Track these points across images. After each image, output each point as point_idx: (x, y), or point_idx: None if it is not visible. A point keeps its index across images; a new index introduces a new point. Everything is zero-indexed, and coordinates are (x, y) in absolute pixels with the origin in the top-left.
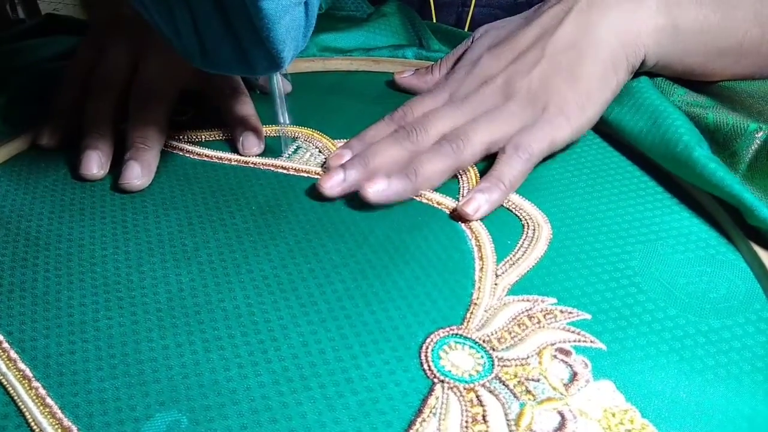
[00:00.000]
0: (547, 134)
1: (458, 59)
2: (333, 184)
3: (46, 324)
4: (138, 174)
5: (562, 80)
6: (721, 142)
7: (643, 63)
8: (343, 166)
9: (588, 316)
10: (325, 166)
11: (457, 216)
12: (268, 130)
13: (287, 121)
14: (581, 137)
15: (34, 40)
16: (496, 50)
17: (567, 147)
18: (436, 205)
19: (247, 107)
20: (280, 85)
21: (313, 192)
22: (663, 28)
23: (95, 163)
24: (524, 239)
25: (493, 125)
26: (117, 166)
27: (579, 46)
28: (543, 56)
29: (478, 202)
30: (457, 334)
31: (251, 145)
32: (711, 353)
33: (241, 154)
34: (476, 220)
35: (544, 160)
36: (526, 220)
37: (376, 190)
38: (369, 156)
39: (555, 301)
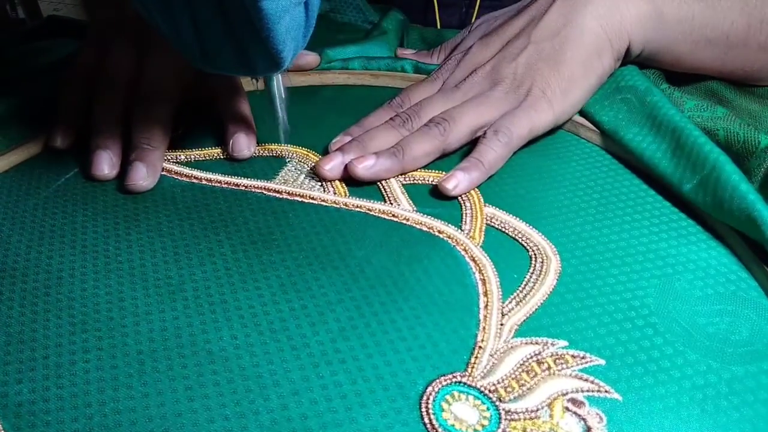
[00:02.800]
0: (528, 119)
1: (456, 47)
2: (332, 166)
3: (19, 367)
4: (144, 175)
5: (546, 65)
6: (733, 160)
7: (629, 50)
8: (341, 149)
9: (602, 362)
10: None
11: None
12: (260, 149)
13: (286, 122)
14: (593, 161)
15: (35, 44)
16: (486, 39)
17: (577, 167)
18: (437, 233)
19: (242, 107)
20: (280, 85)
21: (307, 218)
22: (647, 15)
23: (106, 163)
24: (532, 273)
25: (479, 110)
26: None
27: (563, 33)
28: (529, 43)
29: (457, 179)
30: (460, 383)
31: (241, 147)
32: (735, 405)
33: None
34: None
35: (553, 182)
36: (533, 251)
37: (365, 166)
38: (366, 140)
39: (566, 344)
